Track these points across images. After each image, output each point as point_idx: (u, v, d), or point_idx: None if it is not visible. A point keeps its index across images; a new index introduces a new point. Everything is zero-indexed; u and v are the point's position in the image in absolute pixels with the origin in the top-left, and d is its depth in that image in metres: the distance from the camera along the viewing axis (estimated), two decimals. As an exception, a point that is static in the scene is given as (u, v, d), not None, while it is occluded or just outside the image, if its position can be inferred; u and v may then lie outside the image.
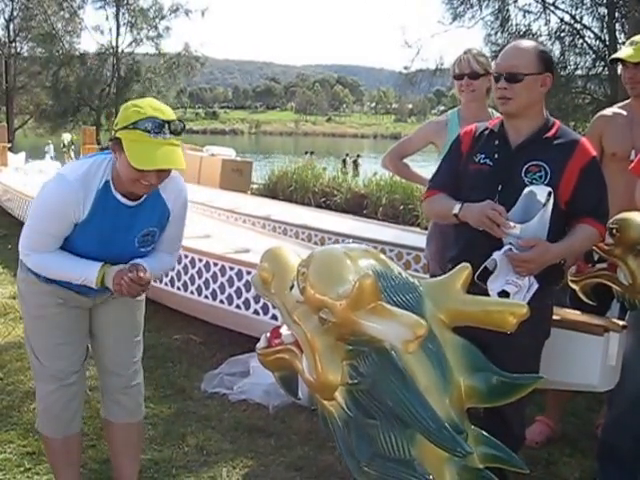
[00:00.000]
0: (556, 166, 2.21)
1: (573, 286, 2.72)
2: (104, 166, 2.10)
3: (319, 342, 1.52)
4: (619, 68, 3.26)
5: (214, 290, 4.13)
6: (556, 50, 12.82)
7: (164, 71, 26.75)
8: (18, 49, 25.43)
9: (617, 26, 12.52)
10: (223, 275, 4.07)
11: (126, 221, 2.14)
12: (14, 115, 24.79)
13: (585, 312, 2.57)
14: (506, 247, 2.10)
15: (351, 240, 5.10)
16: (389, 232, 5.78)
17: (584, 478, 2.83)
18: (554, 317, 2.41)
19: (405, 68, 15.47)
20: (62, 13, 25.74)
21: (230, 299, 4.02)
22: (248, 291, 3.88)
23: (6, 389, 3.51)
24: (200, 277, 4.24)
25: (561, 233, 2.21)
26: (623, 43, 9.45)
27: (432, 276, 3.11)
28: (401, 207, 10.08)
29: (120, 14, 26.40)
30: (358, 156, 22.00)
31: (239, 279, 3.97)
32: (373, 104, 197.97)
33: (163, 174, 2.03)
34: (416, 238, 5.20)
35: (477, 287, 1.94)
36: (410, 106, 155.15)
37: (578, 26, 13.10)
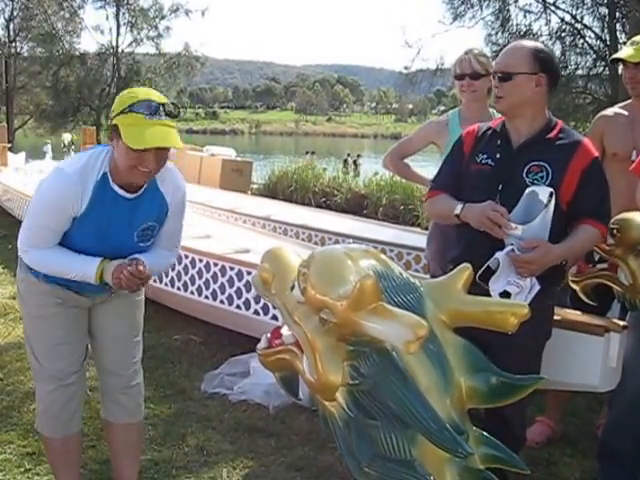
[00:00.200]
0: (558, 166, 2.20)
1: (574, 286, 2.71)
2: (102, 158, 2.10)
3: (320, 343, 1.52)
4: (620, 68, 3.25)
5: (214, 290, 4.12)
6: (557, 50, 12.79)
7: (164, 71, 26.75)
8: (18, 49, 25.42)
9: (618, 26, 12.51)
10: (223, 275, 4.07)
11: (125, 215, 2.14)
12: (14, 115, 24.78)
13: (586, 312, 2.57)
14: (508, 248, 2.09)
15: (351, 240, 5.11)
16: (389, 232, 5.78)
17: (584, 478, 2.83)
18: (555, 317, 2.41)
19: (405, 68, 15.44)
20: (62, 13, 25.73)
21: (230, 299, 4.02)
22: (248, 291, 3.88)
23: (6, 389, 3.51)
24: (200, 277, 4.23)
25: (563, 234, 2.21)
26: (624, 43, 9.46)
27: (432, 276, 3.11)
28: (401, 207, 10.08)
29: (120, 14, 26.39)
30: (358, 156, 21.98)
31: (239, 279, 3.97)
32: (373, 104, 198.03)
33: (160, 158, 2.03)
34: (416, 238, 5.20)
35: (478, 287, 1.94)
36: (410, 106, 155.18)
37: (579, 26, 13.08)
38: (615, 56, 3.07)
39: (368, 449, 1.56)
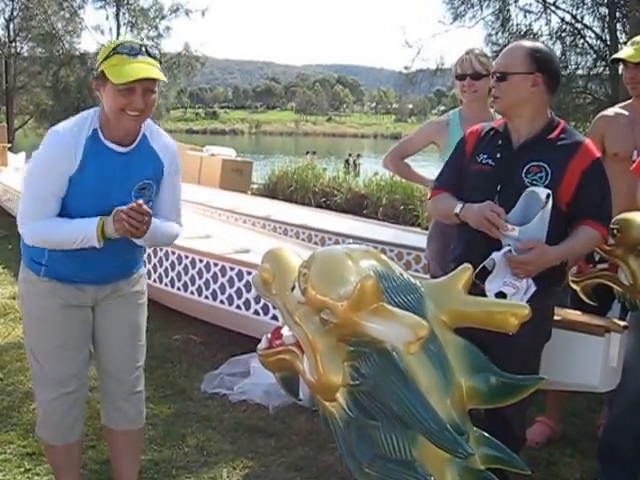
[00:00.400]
0: (557, 167, 2.20)
1: (574, 286, 2.71)
2: (91, 116, 2.16)
3: (320, 343, 1.52)
4: (620, 68, 3.26)
5: (214, 290, 4.12)
6: (557, 50, 12.78)
7: (164, 71, 26.74)
8: (18, 49, 25.39)
9: (618, 26, 12.51)
10: (223, 275, 4.07)
11: (120, 170, 2.14)
12: (14, 115, 24.76)
13: (586, 312, 2.57)
14: (505, 248, 2.10)
15: (351, 240, 5.10)
16: (389, 232, 5.78)
17: (585, 479, 2.83)
18: (555, 317, 2.40)
19: (405, 68, 15.43)
20: (62, 13, 25.70)
21: (230, 299, 4.02)
22: (248, 291, 3.88)
23: (6, 389, 3.51)
24: (200, 277, 4.23)
25: (562, 235, 2.20)
26: (624, 43, 9.46)
27: (433, 276, 3.11)
28: (401, 207, 10.08)
29: (120, 14, 26.36)
30: (358, 156, 21.97)
31: (239, 279, 3.97)
32: (373, 104, 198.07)
33: (148, 99, 2.07)
34: (416, 238, 5.20)
35: (477, 287, 1.93)
36: (410, 106, 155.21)
37: (579, 26, 13.08)
38: (615, 56, 3.08)
39: (368, 449, 1.55)
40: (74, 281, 2.22)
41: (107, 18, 26.57)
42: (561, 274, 2.38)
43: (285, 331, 1.68)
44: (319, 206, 10.19)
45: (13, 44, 24.96)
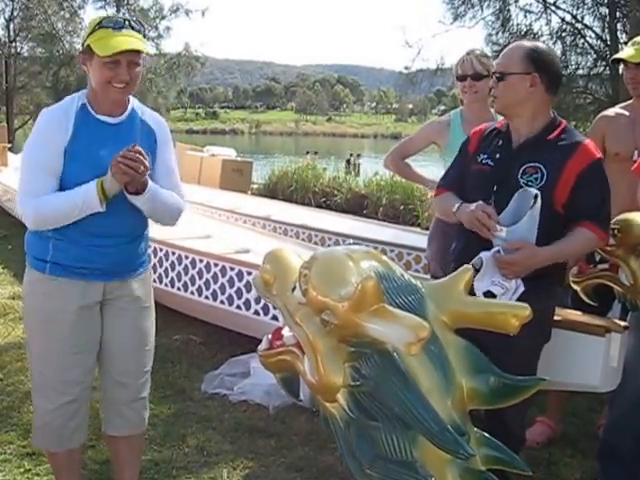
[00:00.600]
0: (553, 168, 2.18)
1: (575, 287, 2.71)
2: (78, 94, 2.23)
3: (321, 344, 1.51)
4: (621, 68, 3.26)
5: (215, 291, 4.12)
6: (557, 50, 12.76)
7: (164, 71, 26.74)
8: (18, 49, 25.35)
9: (618, 26, 12.50)
10: (224, 276, 4.06)
11: (112, 140, 2.16)
12: (14, 115, 24.73)
13: (586, 313, 2.56)
14: (495, 249, 2.11)
15: (351, 240, 5.10)
16: (389, 232, 5.78)
17: (585, 479, 2.83)
18: (556, 318, 2.40)
19: (406, 68, 15.42)
20: (62, 13, 25.67)
21: (231, 300, 4.01)
22: (249, 292, 3.88)
23: (6, 390, 3.51)
24: (201, 278, 4.23)
25: (557, 237, 2.18)
26: (625, 43, 9.46)
27: (433, 276, 3.11)
28: (401, 207, 10.08)
29: (120, 14, 26.38)
30: (358, 156, 21.98)
31: (239, 280, 3.96)
32: (373, 104, 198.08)
33: (133, 71, 2.12)
34: (416, 238, 5.20)
35: (471, 287, 1.93)
36: (410, 106, 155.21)
37: (579, 26, 13.07)
38: (616, 56, 3.08)
39: (369, 450, 1.55)
40: (80, 274, 2.18)
41: (107, 18, 26.55)
42: (561, 275, 2.37)
43: (286, 332, 1.68)
44: (319, 206, 10.19)
45: (13, 44, 24.93)
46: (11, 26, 24.91)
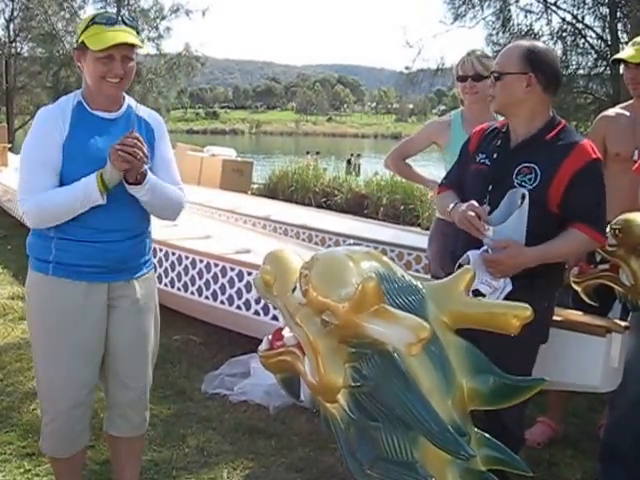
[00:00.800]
0: (547, 168, 2.18)
1: (575, 287, 2.71)
2: (74, 93, 2.25)
3: (321, 344, 1.51)
4: (621, 68, 3.26)
5: (215, 291, 4.12)
6: (558, 50, 12.76)
7: (165, 71, 26.73)
8: (18, 49, 25.35)
9: (619, 26, 12.50)
10: (224, 276, 4.06)
11: (109, 135, 2.16)
12: (14, 115, 24.73)
13: (587, 313, 2.56)
14: (483, 248, 2.12)
15: (352, 240, 5.10)
16: (390, 232, 5.78)
17: (586, 479, 2.82)
18: (557, 318, 2.40)
19: (406, 68, 15.41)
20: (62, 13, 25.65)
21: (231, 300, 4.01)
22: (249, 292, 3.88)
23: (6, 390, 3.51)
24: (201, 278, 4.23)
25: (552, 237, 2.17)
26: (625, 43, 9.46)
27: (433, 276, 3.11)
28: (402, 207, 10.08)
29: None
30: (358, 156, 21.98)
31: (240, 280, 3.96)
32: (374, 104, 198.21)
33: (127, 66, 2.14)
34: (417, 238, 5.20)
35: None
36: (411, 106, 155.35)
37: (580, 26, 13.06)
38: (616, 57, 3.08)
39: (369, 451, 1.55)
40: (84, 274, 2.16)
41: (107, 18, 26.53)
42: (558, 275, 2.36)
43: (286, 332, 1.68)
44: (319, 206, 10.19)
45: (13, 44, 24.94)
46: (11, 26, 24.91)
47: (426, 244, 3.51)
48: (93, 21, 2.13)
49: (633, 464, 2.43)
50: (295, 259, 1.72)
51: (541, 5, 13.29)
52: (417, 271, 4.65)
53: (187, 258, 4.32)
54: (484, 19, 13.63)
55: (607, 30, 12.59)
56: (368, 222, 6.74)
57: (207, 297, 4.18)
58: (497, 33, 13.55)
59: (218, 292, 4.09)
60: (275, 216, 6.39)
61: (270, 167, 14.14)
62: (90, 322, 2.20)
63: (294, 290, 1.62)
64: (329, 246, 5.26)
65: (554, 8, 13.21)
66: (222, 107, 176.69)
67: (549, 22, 13.30)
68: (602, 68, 12.73)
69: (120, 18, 2.17)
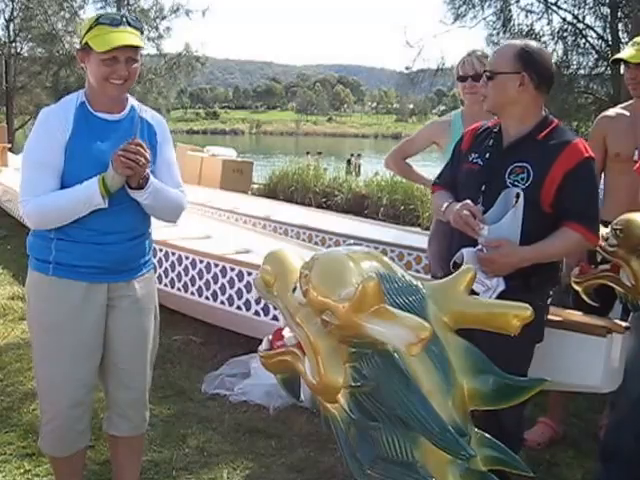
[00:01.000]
0: (540, 168, 2.18)
1: (576, 287, 2.71)
2: (77, 93, 2.25)
3: (322, 344, 1.51)
4: (622, 68, 3.25)
5: (215, 291, 4.12)
6: (559, 50, 12.79)
7: (165, 71, 26.72)
8: (18, 49, 25.34)
9: (620, 26, 12.49)
10: (224, 276, 4.06)
11: (112, 137, 2.16)
12: (14, 115, 24.72)
13: (588, 313, 2.56)
14: (478, 247, 2.12)
15: (352, 241, 5.10)
16: (390, 232, 5.78)
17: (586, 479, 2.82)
18: (557, 318, 2.40)
19: (406, 68, 15.40)
20: (62, 13, 25.63)
21: (231, 300, 4.01)
22: (249, 292, 3.87)
23: (6, 390, 3.51)
24: (201, 278, 4.23)
25: (545, 236, 2.17)
26: (626, 43, 9.44)
27: (434, 277, 3.11)
28: (402, 207, 10.09)
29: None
30: (359, 156, 21.97)
31: (240, 280, 3.96)
32: (374, 104, 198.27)
33: (131, 67, 2.13)
34: (417, 238, 5.20)
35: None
36: (411, 106, 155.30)
37: (581, 26, 13.05)
38: (616, 57, 3.07)
39: (370, 451, 1.55)
40: (84, 274, 2.16)
41: (108, 19, 26.51)
42: (553, 274, 2.36)
43: (286, 332, 1.68)
44: (320, 206, 10.20)
45: (13, 44, 24.93)
46: (11, 26, 24.90)
47: (426, 244, 3.51)
48: (97, 22, 2.12)
49: (634, 465, 2.43)
50: (295, 259, 1.72)
51: (542, 5, 13.28)
52: (417, 271, 4.65)
53: (187, 258, 4.32)
54: (484, 19, 13.63)
55: (608, 30, 12.58)
56: (368, 222, 6.74)
57: (207, 297, 4.18)
58: (498, 33, 13.53)
59: (218, 292, 4.09)
60: (275, 216, 6.39)
61: (270, 167, 14.15)
62: (90, 322, 2.20)
63: (294, 290, 1.62)
64: (329, 246, 5.26)
65: (555, 8, 13.20)
66: (222, 107, 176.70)
67: (550, 22, 13.29)
68: (603, 68, 12.72)
69: (125, 19, 2.15)
